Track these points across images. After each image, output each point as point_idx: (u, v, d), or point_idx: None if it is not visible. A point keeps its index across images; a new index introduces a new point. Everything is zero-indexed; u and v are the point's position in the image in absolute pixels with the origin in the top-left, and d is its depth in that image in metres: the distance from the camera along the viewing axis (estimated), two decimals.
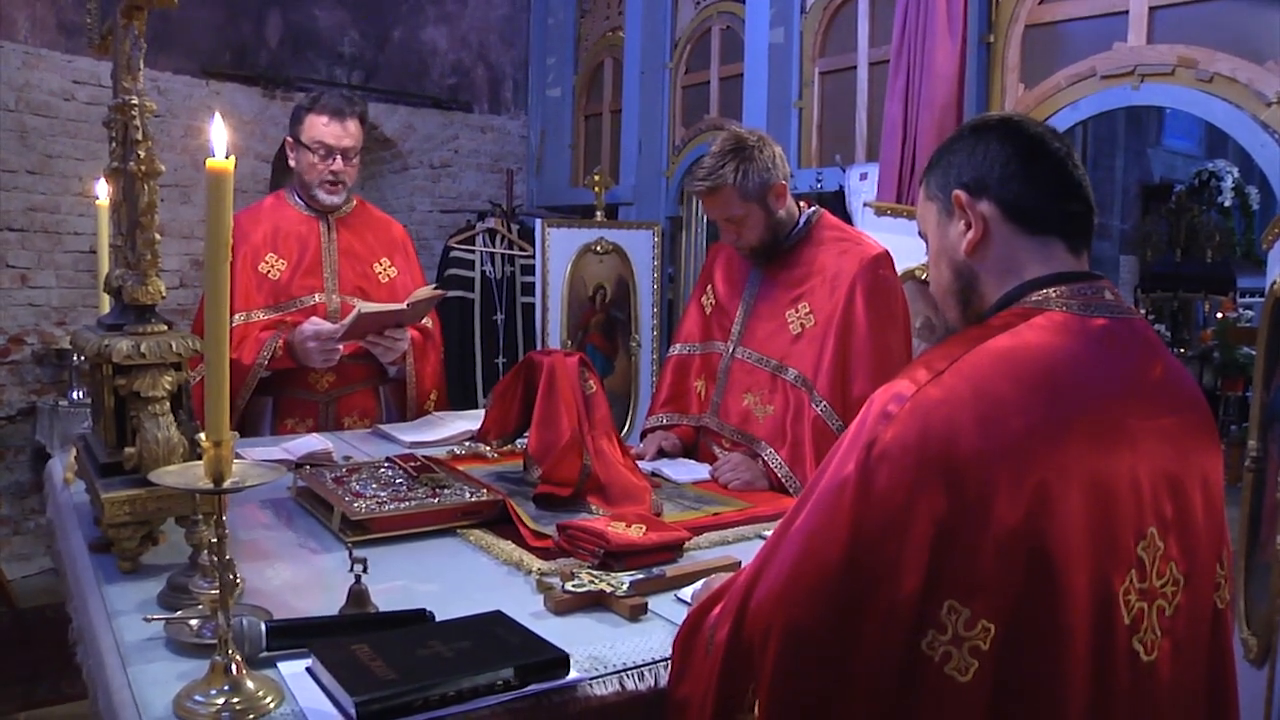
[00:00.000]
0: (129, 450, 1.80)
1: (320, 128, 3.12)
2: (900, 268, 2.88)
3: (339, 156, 3.15)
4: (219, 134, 1.27)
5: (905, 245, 3.50)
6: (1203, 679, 1.29)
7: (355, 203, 3.36)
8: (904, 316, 2.68)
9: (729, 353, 2.78)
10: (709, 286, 2.94)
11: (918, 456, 1.14)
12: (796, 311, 2.64)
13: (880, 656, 1.13)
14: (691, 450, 2.90)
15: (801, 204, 2.74)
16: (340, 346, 3.04)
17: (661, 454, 2.84)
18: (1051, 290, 1.29)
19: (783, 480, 2.51)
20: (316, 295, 3.18)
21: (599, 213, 5.29)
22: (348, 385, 3.25)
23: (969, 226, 1.36)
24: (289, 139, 3.20)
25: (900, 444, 1.15)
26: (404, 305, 3.06)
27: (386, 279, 3.31)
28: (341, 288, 3.21)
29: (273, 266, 3.15)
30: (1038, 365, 1.21)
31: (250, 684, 1.32)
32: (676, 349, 3.00)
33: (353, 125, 3.16)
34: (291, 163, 3.23)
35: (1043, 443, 1.15)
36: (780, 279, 2.71)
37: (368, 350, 3.16)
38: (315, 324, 3.03)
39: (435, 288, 3.22)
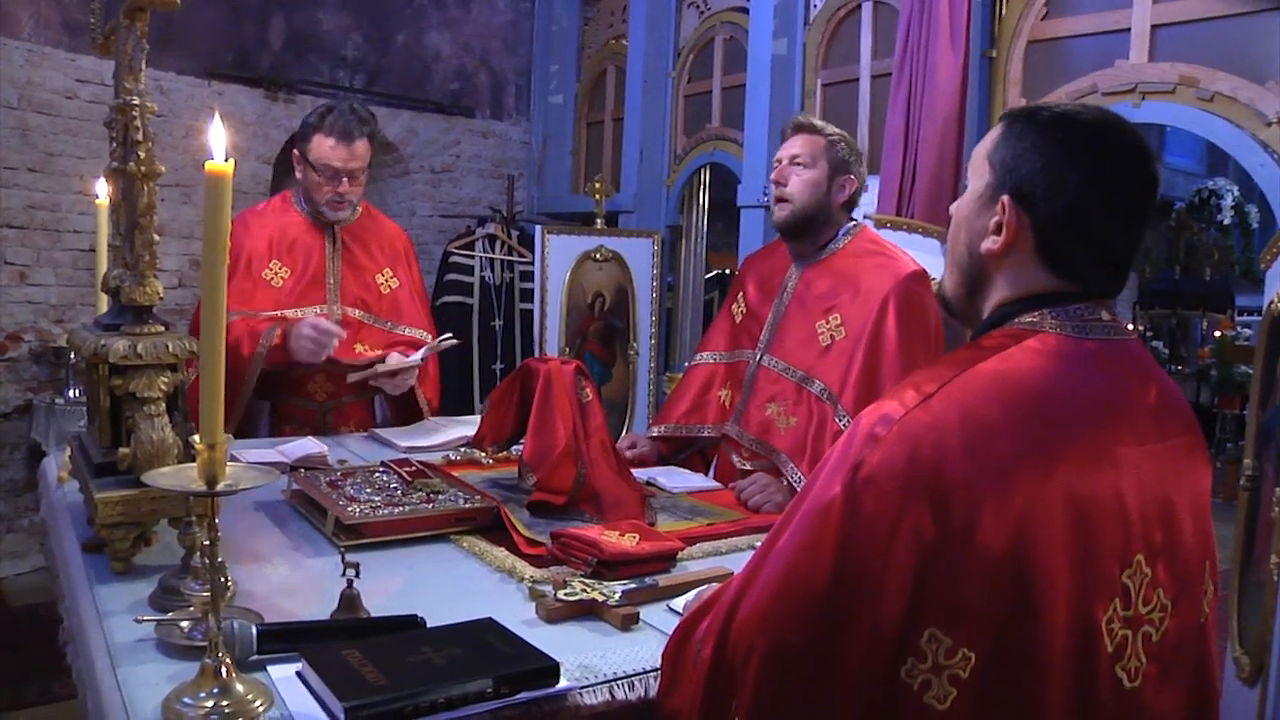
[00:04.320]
0: (123, 450, 1.80)
1: (327, 150, 3.09)
2: None
3: (345, 179, 3.14)
4: (217, 136, 1.27)
5: None
6: (1186, 699, 1.28)
7: (361, 209, 3.35)
8: (936, 336, 2.61)
9: (755, 360, 2.76)
10: (740, 295, 2.93)
11: (904, 481, 1.13)
12: (828, 323, 2.62)
13: (860, 681, 1.12)
14: (668, 461, 2.91)
15: (847, 220, 2.74)
16: (333, 346, 3.01)
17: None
18: (1047, 310, 1.27)
19: (797, 489, 2.47)
20: (318, 307, 3.18)
21: (599, 220, 5.29)
22: (345, 395, 3.25)
23: (999, 230, 1.30)
24: (296, 152, 3.19)
25: (887, 468, 1.14)
26: (417, 359, 3.11)
27: (388, 290, 3.31)
28: (344, 299, 3.22)
29: (276, 274, 3.15)
30: (1028, 391, 1.19)
31: (240, 687, 1.32)
32: (701, 358, 2.98)
33: (361, 147, 3.13)
34: (298, 174, 3.21)
35: (1030, 470, 1.14)
36: (814, 289, 2.69)
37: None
38: (315, 320, 3.02)
39: (447, 337, 3.20)
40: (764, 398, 2.70)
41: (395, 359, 3.11)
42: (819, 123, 2.71)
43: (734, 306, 2.94)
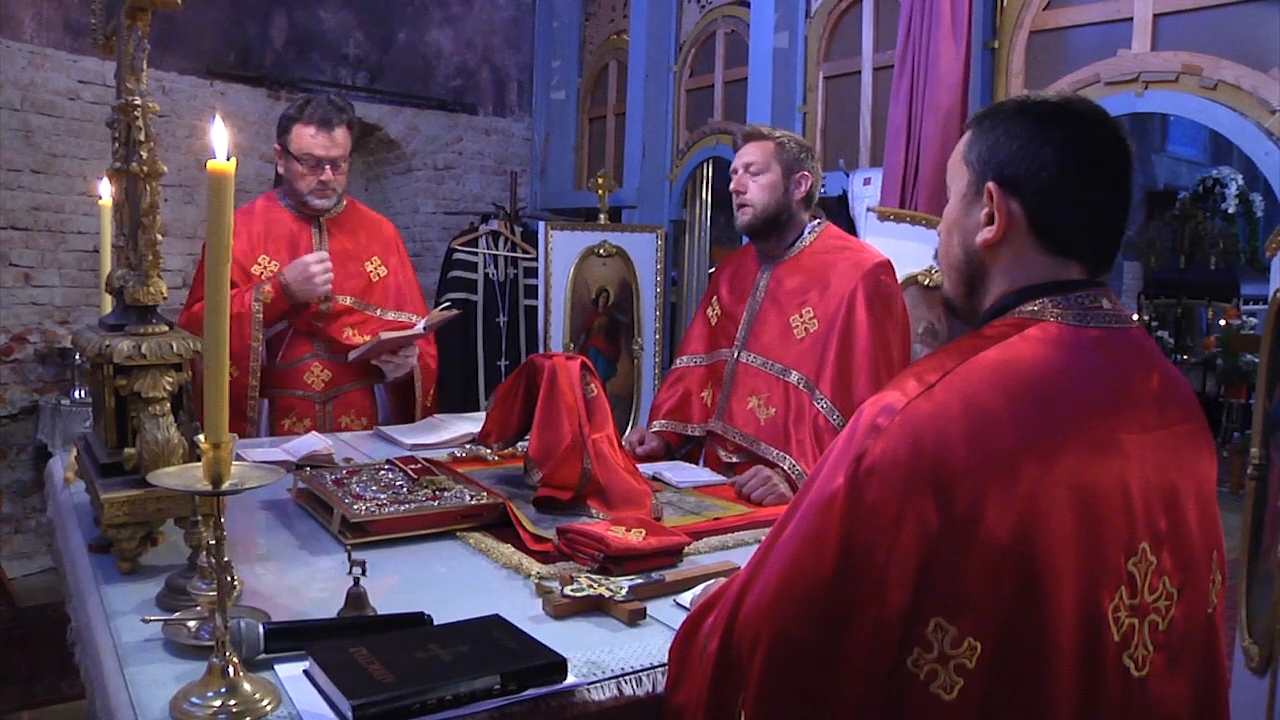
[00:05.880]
0: (129, 450, 1.80)
1: (307, 139, 3.11)
2: (902, 273, 2.91)
3: (328, 167, 3.16)
4: (219, 136, 1.27)
5: (908, 250, 3.50)
6: (1195, 688, 1.28)
7: (345, 202, 3.37)
8: (904, 322, 2.75)
9: (734, 357, 2.84)
10: (714, 298, 3.03)
11: (908, 471, 1.12)
12: (800, 316, 2.72)
13: (866, 672, 1.12)
14: (675, 453, 2.98)
15: (809, 217, 2.84)
16: (328, 267, 3.10)
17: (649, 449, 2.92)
18: (1047, 299, 1.26)
19: (796, 481, 2.51)
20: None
21: (602, 216, 5.29)
22: (344, 384, 3.26)
23: (990, 220, 1.30)
24: (277, 146, 3.21)
25: (890, 458, 1.13)
26: (420, 329, 3.14)
27: (377, 277, 3.33)
28: (334, 287, 3.22)
29: (265, 268, 3.16)
30: (1030, 379, 1.19)
31: (247, 686, 1.32)
32: (681, 361, 3.08)
33: (340, 134, 3.16)
34: (280, 169, 3.24)
35: (1033, 459, 1.13)
36: (785, 285, 2.79)
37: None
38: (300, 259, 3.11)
39: (446, 307, 3.24)
40: (745, 392, 2.79)
41: (392, 333, 3.14)
42: (766, 129, 2.84)
43: (709, 310, 3.05)
